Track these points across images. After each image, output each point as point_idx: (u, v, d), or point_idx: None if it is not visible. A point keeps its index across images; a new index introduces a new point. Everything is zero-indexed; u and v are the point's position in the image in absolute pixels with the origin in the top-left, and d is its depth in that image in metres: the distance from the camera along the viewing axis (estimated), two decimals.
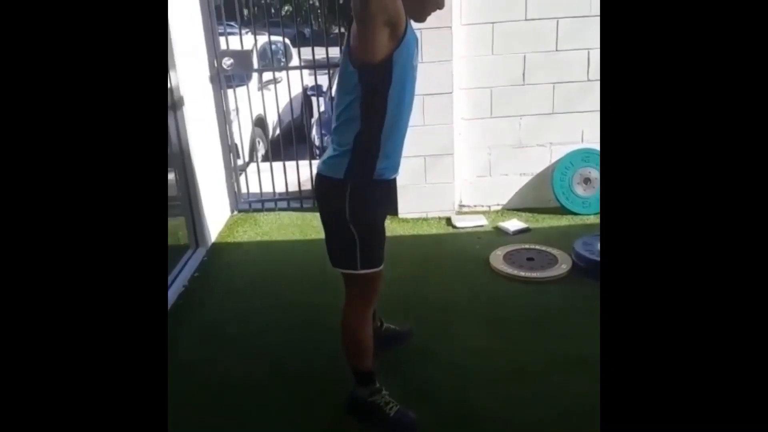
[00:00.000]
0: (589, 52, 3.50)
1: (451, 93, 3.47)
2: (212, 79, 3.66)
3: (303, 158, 4.21)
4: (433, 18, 1.69)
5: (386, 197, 1.87)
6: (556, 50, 3.50)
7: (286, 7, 13.51)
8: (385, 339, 2.25)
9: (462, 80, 3.53)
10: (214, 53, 3.63)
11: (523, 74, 3.55)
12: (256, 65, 4.64)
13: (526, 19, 3.43)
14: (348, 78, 1.67)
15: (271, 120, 5.67)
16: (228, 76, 3.75)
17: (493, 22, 3.44)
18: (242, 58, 3.70)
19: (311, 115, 6.66)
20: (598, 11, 3.35)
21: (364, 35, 1.57)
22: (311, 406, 2.06)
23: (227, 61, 3.63)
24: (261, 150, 5.48)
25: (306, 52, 4.81)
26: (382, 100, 1.67)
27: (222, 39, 3.71)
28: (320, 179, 1.80)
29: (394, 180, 1.85)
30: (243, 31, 3.79)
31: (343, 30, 6.65)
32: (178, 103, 3.09)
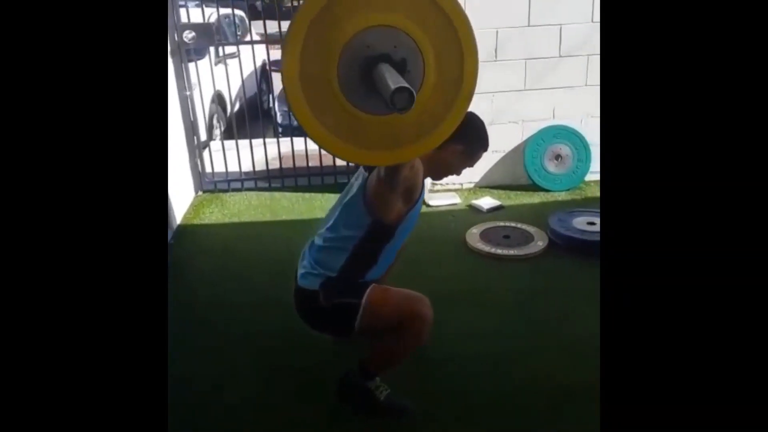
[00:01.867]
0: (561, 27, 3.48)
1: None
2: (172, 53, 3.47)
3: (266, 135, 4.06)
4: None
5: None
6: (528, 25, 3.47)
7: None
8: None
9: None
10: (175, 26, 3.44)
11: (495, 50, 3.50)
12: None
13: None
14: (358, 216, 1.74)
15: (229, 96, 5.47)
16: (188, 50, 3.56)
17: None
18: (204, 31, 3.52)
19: (270, 91, 6.48)
20: None
21: (382, 197, 1.67)
22: (299, 393, 1.99)
23: (188, 35, 3.44)
24: (219, 127, 5.29)
25: (260, 26, 4.64)
26: (377, 250, 1.79)
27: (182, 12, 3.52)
28: (299, 291, 1.84)
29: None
30: (196, 4, 3.59)
31: (295, 3, 6.48)
32: None
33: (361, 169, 1.80)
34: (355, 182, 1.81)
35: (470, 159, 1.83)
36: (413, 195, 1.71)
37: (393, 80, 1.13)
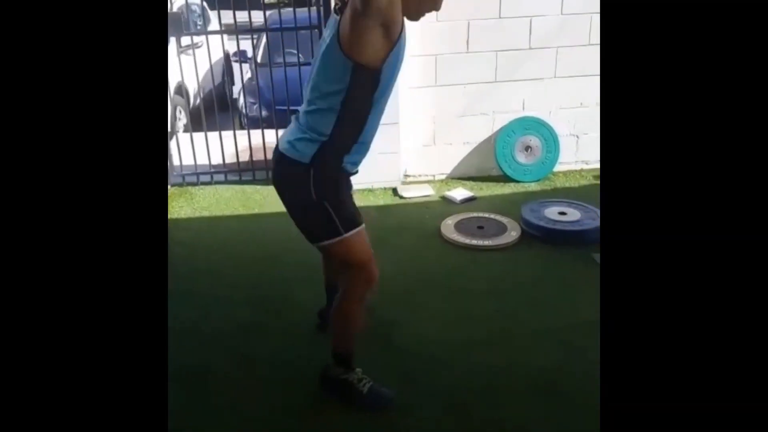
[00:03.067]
0: (531, 20, 3.52)
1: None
2: None
3: (227, 128, 4.00)
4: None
5: (346, 184, 1.82)
6: (499, 17, 3.49)
7: None
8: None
9: (408, 47, 3.44)
10: None
11: (467, 42, 3.52)
12: None
13: None
14: (336, 66, 1.57)
15: (192, 88, 5.36)
16: None
17: None
18: (172, 20, 3.44)
19: (233, 83, 6.38)
20: None
21: (357, 32, 1.50)
22: (284, 390, 1.98)
23: None
24: (182, 119, 5.18)
25: (226, 16, 4.55)
26: (367, 104, 1.63)
27: None
28: (283, 159, 1.71)
29: (355, 173, 1.83)
30: None
31: None
32: None
33: (332, 16, 1.64)
34: (327, 33, 1.64)
35: None
36: (392, 30, 1.51)
37: None
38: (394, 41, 1.53)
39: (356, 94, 1.59)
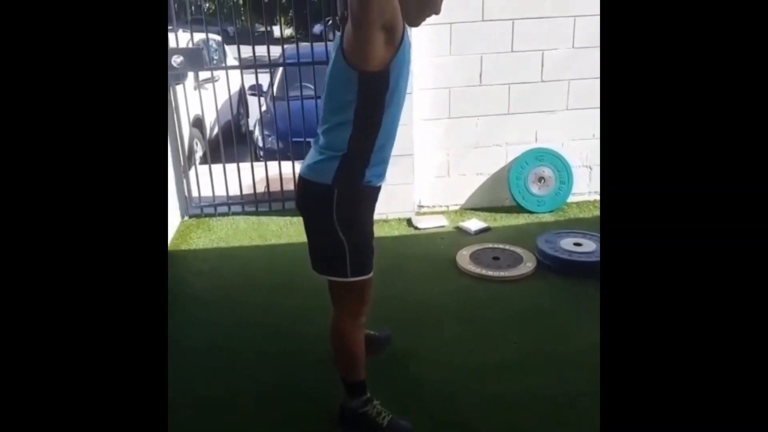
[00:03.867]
0: (543, 53, 3.58)
1: (410, 94, 3.44)
2: None
3: (244, 160, 4.07)
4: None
5: (373, 203, 1.81)
6: (512, 51, 3.56)
7: (207, 5, 13.11)
8: (366, 346, 2.20)
9: (421, 81, 3.52)
10: None
11: (480, 75, 3.59)
12: None
13: (483, 20, 3.46)
14: (343, 79, 1.59)
15: (209, 120, 5.47)
16: (175, 74, 3.57)
17: (450, 23, 3.45)
18: (193, 55, 3.53)
19: (247, 115, 6.50)
20: (553, 13, 3.48)
21: (359, 40, 1.51)
22: (299, 422, 1.98)
23: (177, 59, 3.45)
24: (199, 151, 5.28)
25: (238, 51, 4.69)
26: (379, 107, 1.61)
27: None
28: (305, 184, 1.72)
29: (380, 187, 1.81)
30: (173, 28, 3.62)
31: (268, 28, 6.47)
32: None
33: (336, 35, 1.66)
34: (332, 51, 1.64)
35: None
36: (394, 34, 1.51)
37: None
38: (397, 45, 1.53)
39: (367, 101, 1.59)
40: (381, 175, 1.75)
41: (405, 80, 1.65)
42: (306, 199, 1.75)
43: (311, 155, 1.72)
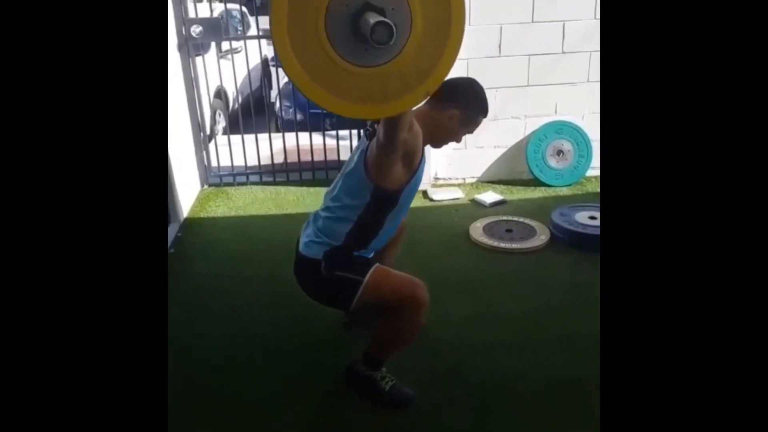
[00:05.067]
0: (564, 24, 3.51)
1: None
2: (180, 47, 3.51)
3: (263, 131, 4.10)
4: None
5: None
6: (532, 21, 3.50)
7: None
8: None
9: None
10: (182, 21, 3.47)
11: (500, 45, 3.54)
12: None
13: None
14: (359, 185, 1.74)
15: (231, 91, 5.51)
16: (196, 45, 3.60)
17: None
18: (212, 25, 3.55)
19: (270, 87, 6.52)
20: None
21: (381, 162, 1.66)
22: (305, 383, 2.04)
23: (196, 29, 3.47)
24: (221, 122, 5.34)
25: (263, 21, 4.67)
26: (382, 219, 1.80)
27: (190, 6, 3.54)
28: (300, 258, 1.86)
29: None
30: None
31: None
32: None
33: (362, 139, 1.80)
34: (356, 153, 1.80)
35: (469, 124, 1.82)
36: (413, 160, 1.69)
37: (375, 18, 1.18)
38: (414, 169, 1.71)
39: (373, 211, 1.76)
40: (369, 254, 1.90)
41: (411, 199, 1.86)
42: (300, 272, 1.89)
43: (308, 234, 1.86)
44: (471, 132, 1.86)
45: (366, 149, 1.71)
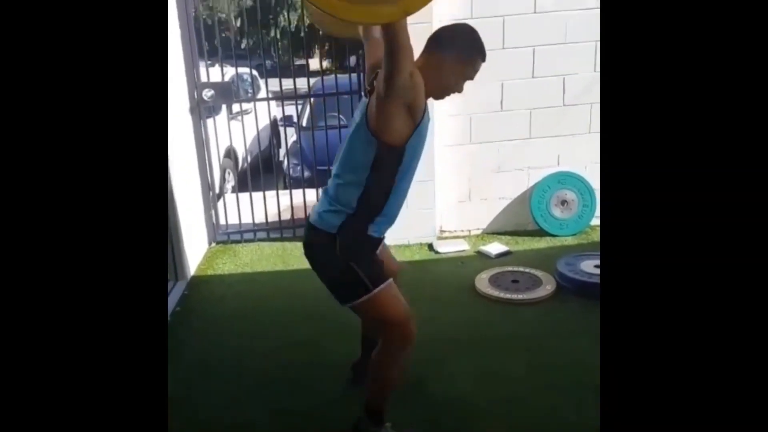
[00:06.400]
0: (564, 78, 3.60)
1: (432, 120, 3.49)
2: (192, 111, 3.63)
3: (273, 188, 4.17)
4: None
5: (374, 249, 1.88)
6: (533, 77, 3.59)
7: (245, 41, 13.61)
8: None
9: (442, 108, 3.57)
10: (195, 85, 3.61)
11: (501, 101, 3.62)
12: None
13: (503, 48, 3.51)
14: (363, 144, 1.71)
15: (240, 151, 5.65)
16: (207, 107, 3.73)
17: None
18: (223, 89, 3.69)
19: (280, 146, 6.69)
20: (572, 39, 3.51)
21: (381, 115, 1.64)
22: None
23: (208, 93, 3.61)
24: (230, 181, 5.45)
25: (272, 84, 4.84)
26: (391, 178, 1.74)
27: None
28: (312, 229, 1.82)
29: (382, 239, 1.91)
30: (209, 63, 3.78)
31: (303, 62, 6.62)
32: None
33: (362, 99, 1.78)
34: (357, 113, 1.78)
35: (467, 68, 1.77)
36: (416, 111, 1.65)
37: None
38: (417, 122, 1.67)
39: (380, 170, 1.71)
40: (383, 231, 1.86)
41: (418, 158, 1.79)
42: (311, 243, 1.84)
43: (321, 203, 1.83)
44: (471, 78, 1.80)
45: (366, 107, 1.70)
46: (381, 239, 1.89)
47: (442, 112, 3.58)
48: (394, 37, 1.47)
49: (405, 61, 1.52)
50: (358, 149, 1.73)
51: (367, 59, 1.92)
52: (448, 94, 1.80)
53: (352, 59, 3.93)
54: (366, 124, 1.68)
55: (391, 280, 1.81)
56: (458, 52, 1.74)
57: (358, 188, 1.73)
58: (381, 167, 1.70)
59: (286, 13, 11.31)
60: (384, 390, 1.89)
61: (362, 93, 1.87)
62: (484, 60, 1.79)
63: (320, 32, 3.75)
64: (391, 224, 1.86)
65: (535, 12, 3.50)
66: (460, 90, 1.79)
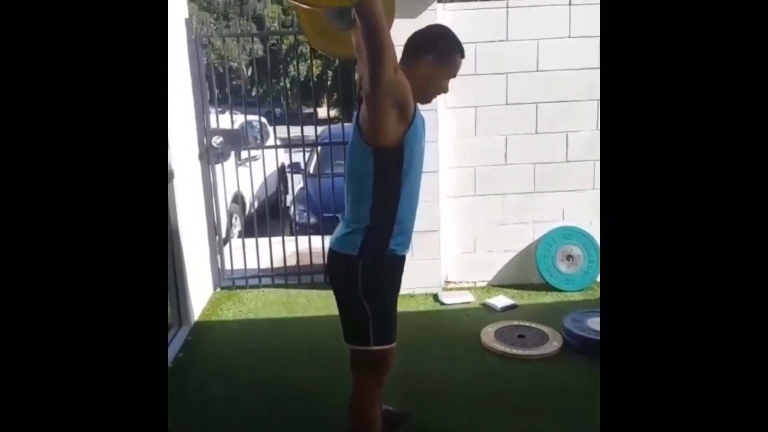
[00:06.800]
0: (567, 135, 3.67)
1: (437, 172, 3.56)
2: (200, 157, 3.69)
3: (279, 234, 4.20)
4: None
5: (398, 273, 1.86)
6: (536, 132, 3.66)
7: (255, 89, 13.92)
8: (383, 422, 2.19)
9: (447, 160, 3.64)
10: (204, 131, 3.68)
11: (505, 155, 3.68)
12: None
13: (507, 104, 3.60)
14: (361, 155, 1.71)
15: (248, 196, 5.71)
16: (216, 154, 3.79)
17: (476, 106, 3.60)
18: (232, 136, 3.76)
19: (287, 192, 6.75)
20: (575, 97, 3.59)
21: (372, 117, 1.64)
22: None
23: (217, 140, 3.68)
24: (237, 226, 5.48)
25: (280, 131, 4.92)
26: (396, 181, 1.73)
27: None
28: (333, 255, 1.82)
29: (404, 257, 1.88)
30: (220, 110, 3.87)
31: (311, 110, 6.78)
32: (168, 179, 3.09)
33: (355, 113, 1.78)
34: (353, 130, 1.78)
35: (448, 67, 1.76)
36: (406, 110, 1.64)
37: None
38: (409, 121, 1.66)
39: (384, 176, 1.71)
40: (404, 245, 1.83)
41: (420, 156, 1.78)
42: (333, 269, 1.84)
43: (339, 228, 1.83)
44: (454, 75, 1.79)
45: (358, 116, 1.70)
46: (403, 258, 1.86)
47: (447, 164, 3.64)
48: (377, 37, 1.49)
49: (388, 58, 1.52)
50: (358, 160, 1.73)
51: (358, 72, 1.93)
52: (435, 96, 1.81)
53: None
54: (359, 132, 1.69)
55: (394, 345, 1.80)
56: (434, 53, 1.74)
57: (368, 200, 1.73)
58: (384, 172, 1.70)
59: (295, 63, 11.62)
60: (366, 430, 1.87)
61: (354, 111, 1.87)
62: (462, 56, 1.78)
63: (328, 82, 3.85)
64: (409, 237, 1.84)
65: (537, 70, 3.60)
66: (445, 90, 1.80)
